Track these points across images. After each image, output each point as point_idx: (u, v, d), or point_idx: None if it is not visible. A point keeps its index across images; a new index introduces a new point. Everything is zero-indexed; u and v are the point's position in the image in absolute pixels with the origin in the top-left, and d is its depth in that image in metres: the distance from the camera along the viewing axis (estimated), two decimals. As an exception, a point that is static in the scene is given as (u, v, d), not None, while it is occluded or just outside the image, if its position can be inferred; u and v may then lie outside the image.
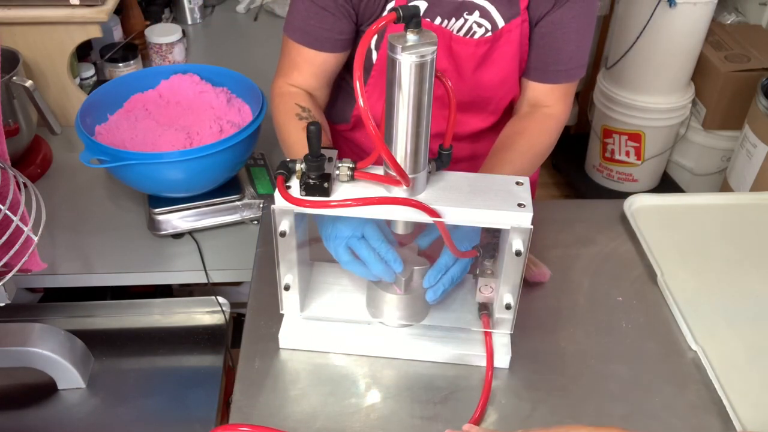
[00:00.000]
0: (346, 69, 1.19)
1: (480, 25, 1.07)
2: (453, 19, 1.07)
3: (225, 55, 1.89)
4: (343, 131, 1.28)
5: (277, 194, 0.79)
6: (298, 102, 1.09)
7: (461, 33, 1.08)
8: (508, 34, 1.08)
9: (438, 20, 1.07)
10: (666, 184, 2.58)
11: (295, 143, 1.03)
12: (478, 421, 0.84)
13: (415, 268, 0.89)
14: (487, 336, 0.90)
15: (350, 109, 1.24)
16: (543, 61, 1.11)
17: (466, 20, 1.07)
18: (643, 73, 2.30)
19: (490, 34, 1.08)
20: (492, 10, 1.06)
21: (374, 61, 1.12)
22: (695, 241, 1.12)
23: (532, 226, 0.78)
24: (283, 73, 1.13)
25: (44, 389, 1.04)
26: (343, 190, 0.79)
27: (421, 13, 1.06)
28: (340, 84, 1.23)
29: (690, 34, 2.21)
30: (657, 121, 2.37)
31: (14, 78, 1.26)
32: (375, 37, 1.06)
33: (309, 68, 1.11)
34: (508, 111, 1.22)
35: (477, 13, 1.07)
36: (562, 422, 0.84)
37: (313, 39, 1.08)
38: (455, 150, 0.87)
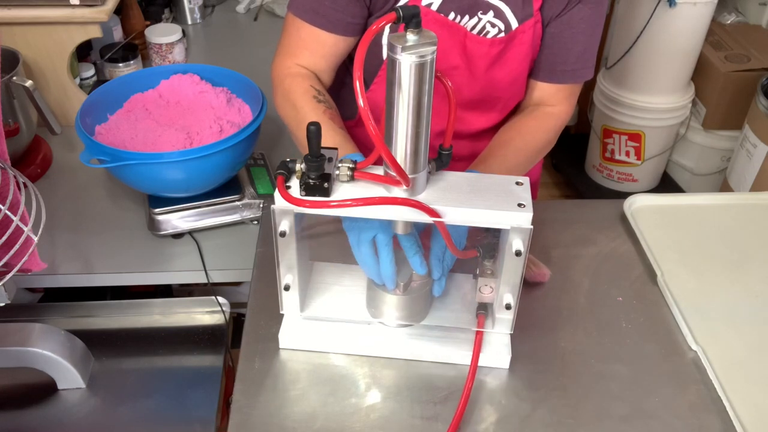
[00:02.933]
0: (352, 62, 1.18)
1: (493, 25, 1.07)
2: (467, 17, 1.06)
3: (225, 55, 1.89)
4: (348, 128, 1.28)
5: (277, 194, 0.79)
6: (313, 84, 1.07)
7: (474, 31, 1.07)
8: (522, 35, 1.08)
9: (452, 16, 1.06)
10: (666, 184, 2.58)
11: None
12: (458, 423, 0.82)
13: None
14: (478, 335, 0.89)
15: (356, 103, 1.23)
16: (551, 62, 1.11)
17: (480, 19, 1.07)
18: (643, 73, 2.31)
19: (503, 34, 1.07)
20: (506, 10, 1.06)
21: (385, 56, 1.11)
22: (695, 241, 1.12)
23: (532, 226, 0.78)
24: (291, 53, 1.10)
25: (44, 389, 1.04)
26: (343, 190, 0.79)
27: (436, 8, 1.05)
28: (344, 79, 1.22)
29: (690, 34, 2.21)
30: (657, 121, 2.37)
31: (14, 78, 1.26)
32: (387, 29, 1.05)
33: (320, 49, 1.09)
34: (513, 112, 1.22)
35: (491, 13, 1.06)
36: (562, 422, 0.85)
37: (325, 20, 1.06)
38: (456, 148, 0.86)
